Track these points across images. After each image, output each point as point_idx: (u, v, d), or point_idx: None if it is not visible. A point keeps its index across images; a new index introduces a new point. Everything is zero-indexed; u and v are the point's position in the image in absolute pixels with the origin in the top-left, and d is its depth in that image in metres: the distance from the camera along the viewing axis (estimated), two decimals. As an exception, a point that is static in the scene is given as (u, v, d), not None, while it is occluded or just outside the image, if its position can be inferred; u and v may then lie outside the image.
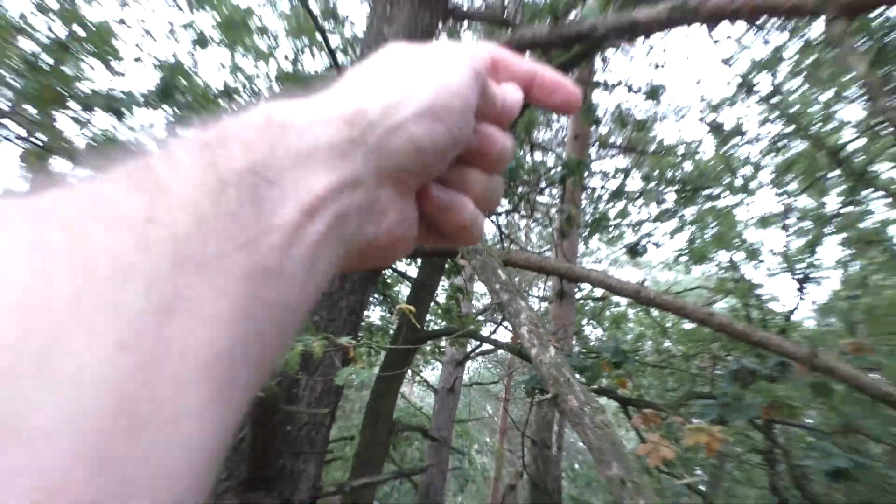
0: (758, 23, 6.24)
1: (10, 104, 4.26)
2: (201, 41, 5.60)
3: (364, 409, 4.95)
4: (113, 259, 0.21)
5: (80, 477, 0.18)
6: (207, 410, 0.22)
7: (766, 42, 6.99)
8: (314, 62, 6.32)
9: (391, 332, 6.16)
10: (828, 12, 2.15)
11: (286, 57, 6.23)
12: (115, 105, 3.70)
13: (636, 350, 6.30)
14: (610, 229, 6.25)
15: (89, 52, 4.64)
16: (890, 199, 6.81)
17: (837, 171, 6.91)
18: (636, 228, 7.08)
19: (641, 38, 6.39)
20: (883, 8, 3.96)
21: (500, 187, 0.42)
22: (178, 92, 4.45)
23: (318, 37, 6.52)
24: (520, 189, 5.79)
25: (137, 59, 5.16)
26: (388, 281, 6.37)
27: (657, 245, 6.62)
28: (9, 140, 3.95)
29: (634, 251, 5.99)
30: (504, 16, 5.67)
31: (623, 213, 6.45)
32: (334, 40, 6.37)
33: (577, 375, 2.43)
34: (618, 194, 6.06)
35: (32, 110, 4.22)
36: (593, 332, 8.32)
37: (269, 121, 0.29)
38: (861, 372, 2.96)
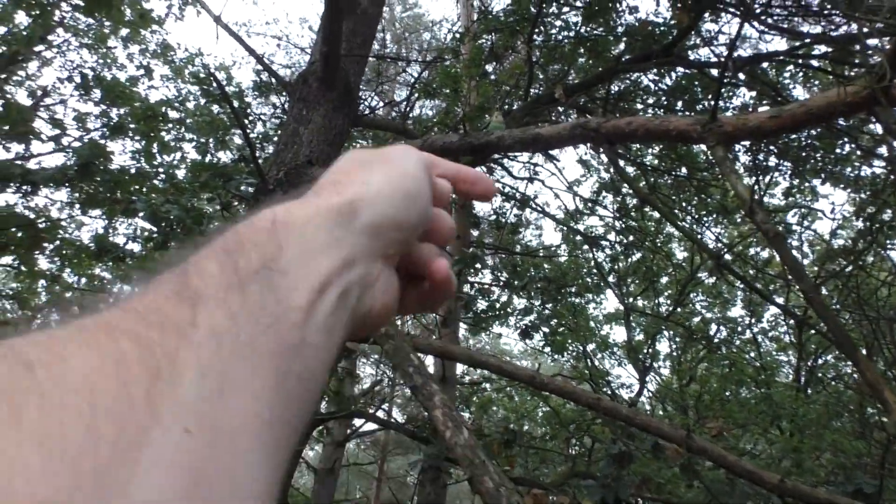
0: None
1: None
2: (117, 128, 5.88)
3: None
4: (170, 360, 0.26)
5: None
6: (261, 473, 0.27)
7: (609, 170, 8.29)
8: (223, 155, 6.74)
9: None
10: (709, 140, 2.41)
11: (196, 148, 6.62)
12: (31, 178, 3.87)
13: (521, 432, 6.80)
14: (498, 317, 7.00)
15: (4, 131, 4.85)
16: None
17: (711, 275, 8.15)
18: (520, 316, 7.82)
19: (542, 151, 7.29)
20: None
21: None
22: (97, 171, 4.72)
23: (223, 132, 7.00)
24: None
25: (56, 137, 5.38)
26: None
27: (546, 329, 7.27)
28: None
29: (526, 333, 6.74)
30: (404, 127, 6.44)
31: (507, 303, 7.26)
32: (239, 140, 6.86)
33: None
34: (508, 285, 6.88)
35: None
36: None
37: (275, 223, 0.35)
38: (728, 452, 3.22)
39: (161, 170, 5.91)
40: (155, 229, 5.21)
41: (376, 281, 0.41)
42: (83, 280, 7.79)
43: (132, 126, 6.17)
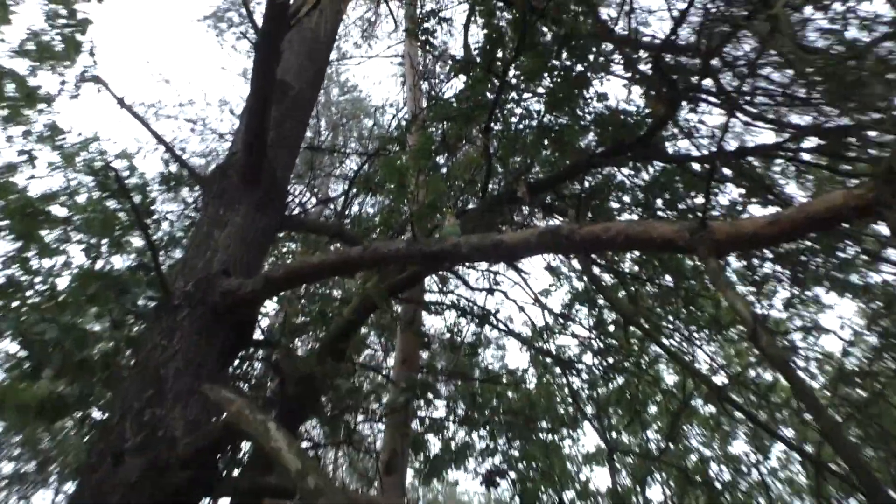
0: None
1: None
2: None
3: None
4: None
5: None
6: None
7: (582, 279, 8.37)
8: (119, 260, 6.59)
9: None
10: (700, 251, 2.41)
11: (84, 251, 6.46)
12: None
13: None
14: (455, 460, 6.74)
15: None
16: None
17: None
18: (481, 459, 7.50)
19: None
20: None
21: None
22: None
23: (120, 232, 6.89)
24: (344, 416, 6.18)
25: None
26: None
27: (513, 474, 7.13)
28: None
29: (491, 480, 6.47)
30: (340, 229, 6.38)
31: (466, 444, 7.00)
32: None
33: None
34: (466, 420, 6.68)
35: None
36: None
37: None
38: None
39: (38, 279, 5.71)
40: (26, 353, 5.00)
41: None
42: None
43: (4, 224, 6.00)
